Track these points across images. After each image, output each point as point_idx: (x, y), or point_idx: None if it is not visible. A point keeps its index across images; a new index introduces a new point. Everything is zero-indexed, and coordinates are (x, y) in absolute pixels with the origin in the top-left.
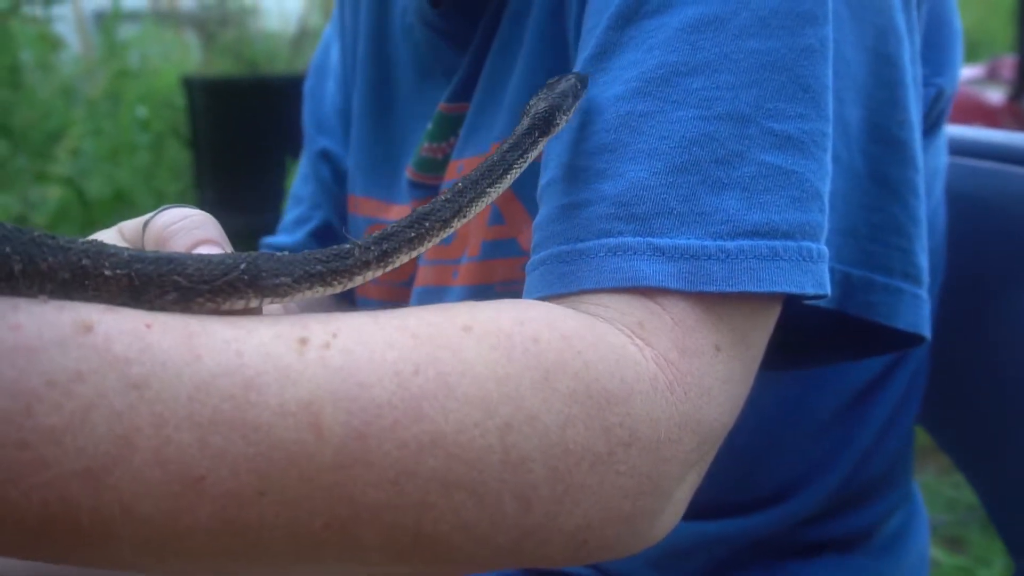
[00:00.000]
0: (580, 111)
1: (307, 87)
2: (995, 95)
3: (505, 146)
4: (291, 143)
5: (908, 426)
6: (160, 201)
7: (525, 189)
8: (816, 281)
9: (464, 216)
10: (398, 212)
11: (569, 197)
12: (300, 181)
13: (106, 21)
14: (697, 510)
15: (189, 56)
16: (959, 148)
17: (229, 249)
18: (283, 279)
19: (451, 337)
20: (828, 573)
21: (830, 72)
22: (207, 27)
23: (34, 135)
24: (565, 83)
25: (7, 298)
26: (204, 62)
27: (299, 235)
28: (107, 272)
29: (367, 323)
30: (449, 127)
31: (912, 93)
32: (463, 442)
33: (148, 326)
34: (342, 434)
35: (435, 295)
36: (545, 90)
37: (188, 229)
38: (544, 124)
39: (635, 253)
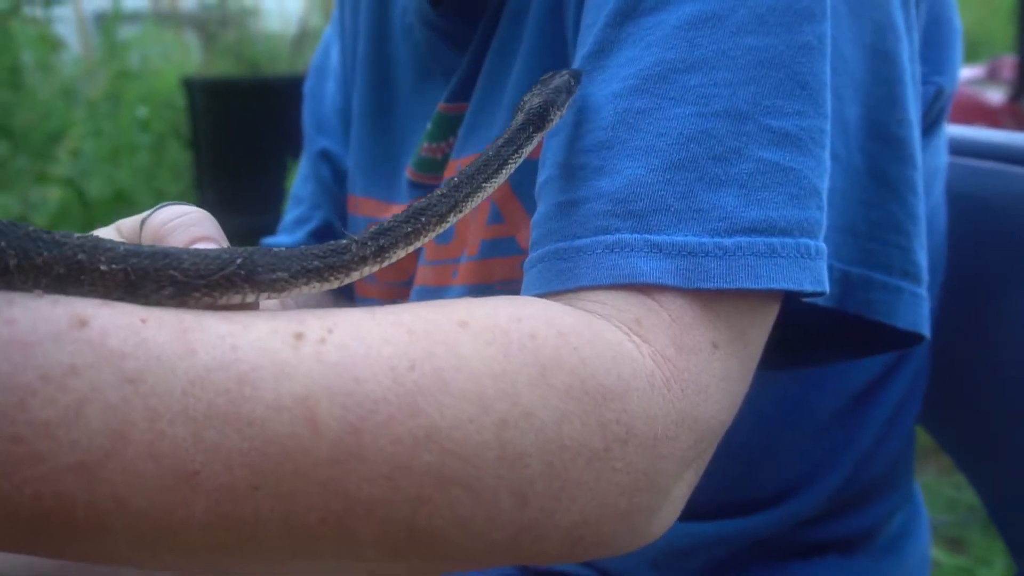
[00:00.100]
0: (578, 108)
1: (307, 88)
2: (995, 95)
3: (500, 141)
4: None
5: (909, 426)
6: (160, 202)
7: (524, 188)
8: (814, 278)
9: (460, 211)
10: (398, 212)
11: (566, 194)
12: (300, 181)
13: (106, 22)
14: (697, 510)
15: (189, 57)
16: (960, 148)
17: (226, 246)
18: (280, 274)
19: (447, 333)
20: (830, 574)
21: (828, 69)
22: (208, 28)
23: (34, 136)
24: (559, 79)
25: (2, 293)
26: (204, 63)
27: (299, 235)
28: (103, 267)
29: (363, 319)
30: (448, 127)
31: (911, 91)
32: (458, 438)
33: (143, 321)
34: (337, 429)
35: (434, 294)
36: (539, 86)
37: (185, 226)
38: (538, 119)
39: (632, 250)
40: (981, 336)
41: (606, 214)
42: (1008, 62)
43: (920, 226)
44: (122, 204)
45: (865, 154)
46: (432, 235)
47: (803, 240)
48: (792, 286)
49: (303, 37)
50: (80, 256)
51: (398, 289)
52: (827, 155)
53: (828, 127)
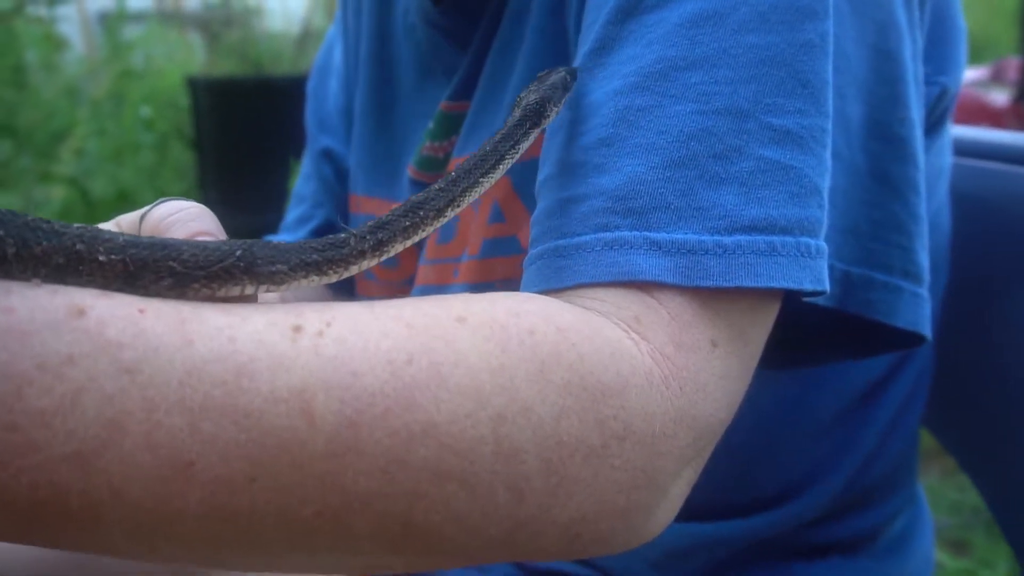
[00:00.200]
0: (579, 106)
1: (310, 87)
2: (999, 97)
3: (497, 137)
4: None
5: (913, 428)
6: None
7: (526, 186)
8: (814, 277)
9: (458, 205)
10: None
11: (566, 192)
12: (302, 180)
13: (110, 21)
14: (697, 510)
15: (193, 56)
16: (965, 149)
17: None
18: (279, 267)
19: (445, 328)
20: (832, 575)
21: (830, 68)
22: (211, 28)
23: (38, 135)
24: (555, 76)
25: (0, 281)
26: (208, 62)
27: (301, 233)
28: (102, 257)
29: (362, 312)
30: (450, 126)
31: (913, 90)
32: (455, 432)
33: (141, 311)
34: (334, 422)
35: (435, 293)
36: (536, 83)
37: (184, 221)
38: (535, 115)
39: (632, 247)
40: (985, 337)
41: (606, 211)
42: (1012, 64)
43: (922, 226)
44: (125, 203)
45: (867, 153)
46: (431, 229)
47: (803, 239)
48: (792, 285)
49: (306, 37)
50: (79, 246)
51: (399, 288)
52: (828, 154)
53: (830, 126)
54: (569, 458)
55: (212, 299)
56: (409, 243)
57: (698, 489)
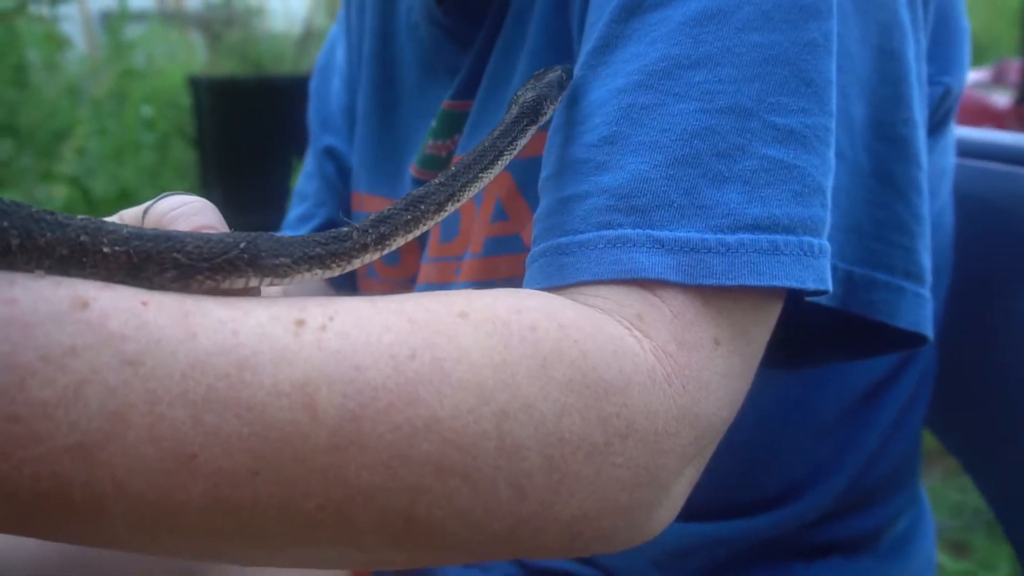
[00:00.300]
0: (582, 104)
1: (313, 86)
2: (1001, 99)
3: (496, 133)
4: (296, 143)
5: (915, 429)
6: None
7: (529, 185)
8: (817, 276)
9: (458, 200)
10: None
11: (569, 189)
12: (304, 179)
13: (112, 21)
14: (699, 510)
15: (195, 56)
16: (968, 150)
17: None
18: (283, 259)
19: (448, 323)
20: (834, 575)
21: (834, 67)
22: (213, 27)
23: (40, 134)
24: (552, 74)
25: (4, 272)
26: (210, 62)
27: (303, 232)
28: (105, 249)
29: (364, 307)
30: (453, 124)
31: (916, 90)
32: (458, 427)
33: (144, 304)
34: (336, 416)
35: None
36: (532, 80)
37: (187, 215)
38: (532, 113)
39: (635, 245)
40: (988, 338)
41: (608, 209)
42: (1014, 65)
43: (924, 226)
44: (126, 202)
45: (870, 153)
46: (432, 223)
47: (806, 238)
48: (795, 284)
49: (308, 37)
50: (83, 238)
51: (401, 286)
52: (832, 153)
53: (833, 125)
54: (571, 455)
55: (216, 292)
56: (411, 237)
57: (700, 488)
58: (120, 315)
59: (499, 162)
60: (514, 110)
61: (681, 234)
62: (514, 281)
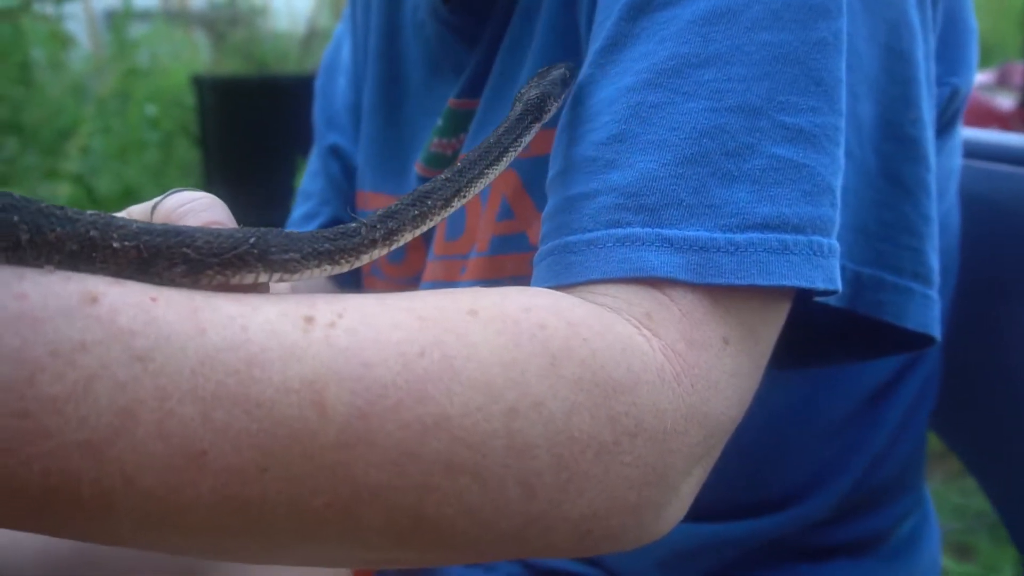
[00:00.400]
0: (590, 102)
1: (318, 84)
2: (1005, 101)
3: (501, 130)
4: (300, 143)
5: (921, 430)
6: None
7: (535, 183)
8: (826, 276)
9: (464, 196)
10: None
11: (578, 188)
12: (309, 177)
13: (116, 20)
14: (706, 510)
15: (199, 55)
16: (974, 151)
17: None
18: (292, 255)
19: (457, 321)
20: None
21: (843, 66)
22: (217, 27)
23: (44, 132)
24: (556, 72)
25: (13, 267)
26: (214, 61)
27: (307, 229)
28: (115, 244)
29: (373, 304)
30: (459, 123)
31: (925, 90)
32: (467, 426)
33: (153, 299)
34: (345, 413)
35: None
36: (536, 78)
37: (196, 211)
38: (536, 110)
39: (643, 244)
40: (994, 339)
41: (617, 208)
42: (1018, 68)
43: (932, 227)
44: (131, 201)
45: (879, 154)
46: (438, 219)
47: (816, 237)
48: (804, 283)
49: (312, 36)
50: (93, 232)
51: (406, 285)
52: (841, 152)
53: (843, 124)
54: (580, 454)
55: (225, 287)
56: (418, 232)
57: (707, 489)
58: (129, 310)
59: (504, 158)
60: (518, 107)
61: (690, 233)
62: (520, 279)
